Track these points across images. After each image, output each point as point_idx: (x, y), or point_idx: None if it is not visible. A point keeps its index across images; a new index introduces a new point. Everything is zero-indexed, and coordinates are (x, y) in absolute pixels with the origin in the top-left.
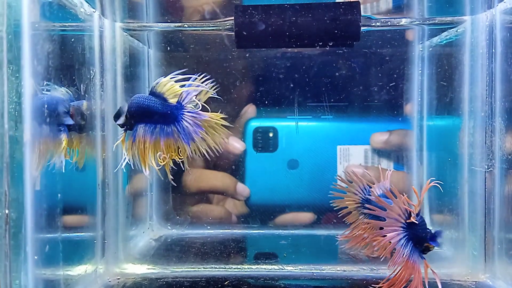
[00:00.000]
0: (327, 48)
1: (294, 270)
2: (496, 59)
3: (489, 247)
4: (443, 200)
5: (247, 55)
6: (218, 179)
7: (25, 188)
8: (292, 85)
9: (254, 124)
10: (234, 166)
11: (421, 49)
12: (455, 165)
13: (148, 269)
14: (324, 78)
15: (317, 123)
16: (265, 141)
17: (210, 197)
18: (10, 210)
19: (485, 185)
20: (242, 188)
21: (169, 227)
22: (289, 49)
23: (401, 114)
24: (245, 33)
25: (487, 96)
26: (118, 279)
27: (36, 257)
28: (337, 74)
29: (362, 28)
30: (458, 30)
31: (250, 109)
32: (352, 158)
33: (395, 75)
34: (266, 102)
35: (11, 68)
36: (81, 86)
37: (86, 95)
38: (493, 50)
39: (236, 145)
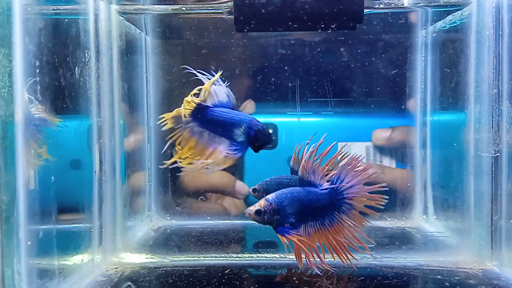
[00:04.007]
0: (330, 36)
1: (295, 258)
2: (503, 41)
3: (496, 234)
4: (448, 188)
5: (246, 47)
6: (216, 177)
7: (17, 171)
8: (292, 80)
9: None
10: (233, 164)
11: (424, 34)
12: (460, 152)
13: (147, 258)
14: (325, 70)
15: (317, 119)
16: None
17: (207, 195)
18: (2, 193)
19: (491, 170)
20: (241, 187)
21: (168, 217)
22: (289, 42)
23: (404, 109)
24: (244, 15)
25: (494, 79)
26: (116, 268)
27: (29, 243)
28: (338, 64)
29: (365, 10)
30: (464, 13)
31: (249, 105)
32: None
33: (398, 63)
34: (266, 98)
35: (2, 51)
36: (76, 69)
37: (81, 79)
38: (500, 32)
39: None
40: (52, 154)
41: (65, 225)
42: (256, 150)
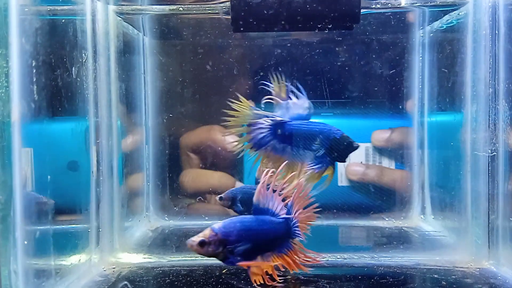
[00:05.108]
0: (327, 37)
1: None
2: (499, 41)
3: (493, 233)
4: (445, 188)
5: (244, 47)
6: (215, 179)
7: (14, 171)
8: (290, 81)
9: None
10: (232, 165)
11: (421, 35)
12: (457, 152)
13: (144, 258)
14: (323, 71)
15: (317, 120)
16: None
17: (207, 196)
18: None
19: (488, 170)
20: None
21: (166, 218)
22: (287, 42)
23: (402, 110)
24: (241, 15)
25: (490, 78)
26: (114, 268)
27: (26, 243)
28: (336, 65)
29: (362, 10)
30: (460, 13)
31: None
32: (353, 156)
33: (395, 63)
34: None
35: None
36: (73, 69)
37: (78, 79)
38: (496, 32)
39: (232, 142)
40: (50, 153)
41: (61, 224)
42: (340, 160)
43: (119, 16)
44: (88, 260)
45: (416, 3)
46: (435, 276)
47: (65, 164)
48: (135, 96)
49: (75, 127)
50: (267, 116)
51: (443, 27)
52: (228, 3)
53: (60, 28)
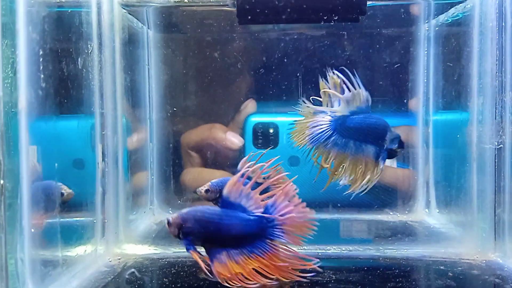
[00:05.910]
0: (329, 30)
1: (298, 249)
2: (506, 32)
3: (499, 226)
4: (451, 182)
5: (248, 42)
6: (217, 177)
7: (21, 159)
8: (294, 77)
9: (254, 119)
10: (234, 164)
11: (427, 28)
12: (463, 146)
13: (150, 249)
14: (326, 66)
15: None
16: (265, 137)
17: None
18: (5, 180)
19: (495, 162)
20: None
21: (170, 211)
22: (291, 37)
23: (406, 108)
24: (247, 7)
25: (497, 70)
26: (119, 259)
27: (33, 231)
28: (340, 61)
29: (368, 2)
30: (467, 6)
31: (250, 104)
32: None
33: (400, 57)
34: (267, 97)
35: (5, 42)
36: (79, 60)
37: (84, 70)
38: (503, 24)
39: (233, 140)
40: (57, 147)
41: (67, 214)
42: (393, 156)
43: (124, 8)
44: (94, 251)
45: None
46: (441, 267)
47: (72, 157)
48: (139, 89)
49: (80, 118)
50: (326, 112)
51: (449, 20)
52: None
53: (66, 19)
